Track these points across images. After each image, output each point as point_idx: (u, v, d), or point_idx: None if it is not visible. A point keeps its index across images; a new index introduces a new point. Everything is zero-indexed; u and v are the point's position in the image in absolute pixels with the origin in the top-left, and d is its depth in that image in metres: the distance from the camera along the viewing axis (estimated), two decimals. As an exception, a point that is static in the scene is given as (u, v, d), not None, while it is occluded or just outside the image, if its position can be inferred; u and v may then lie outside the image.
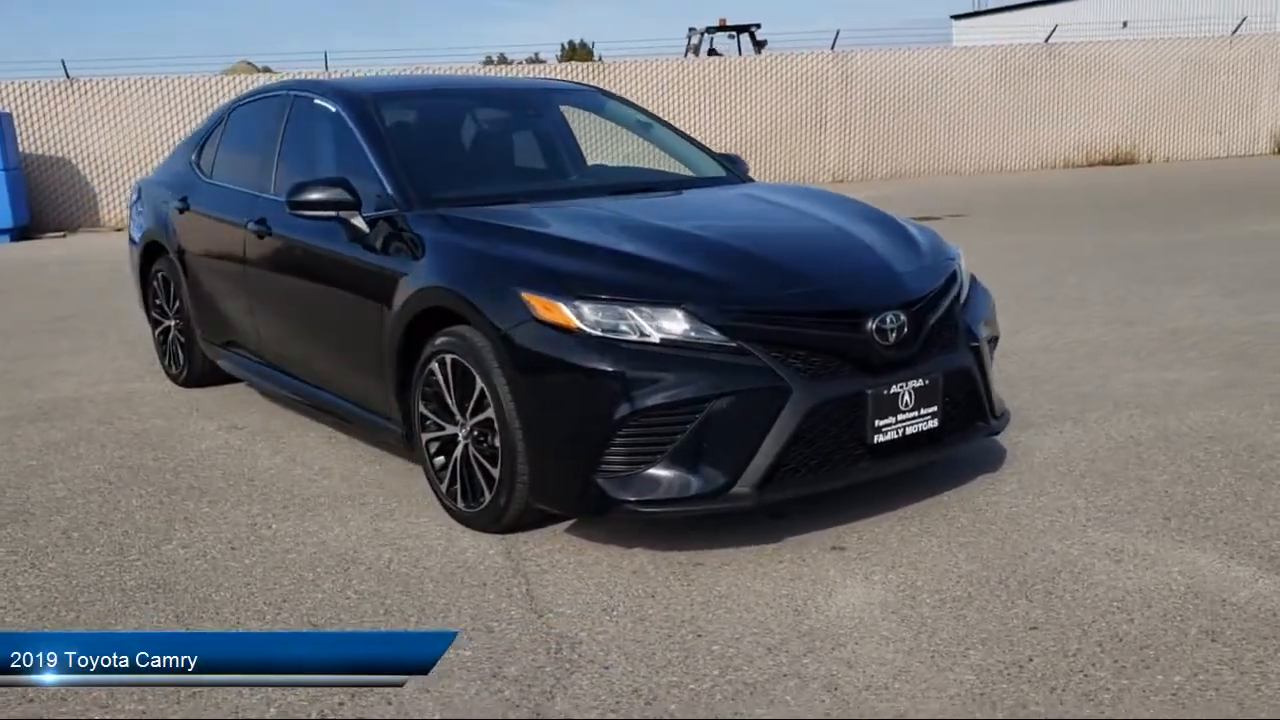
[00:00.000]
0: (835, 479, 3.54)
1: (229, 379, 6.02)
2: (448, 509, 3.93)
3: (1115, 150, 20.15)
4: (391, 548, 3.74)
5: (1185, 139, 20.57)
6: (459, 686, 2.82)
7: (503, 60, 17.55)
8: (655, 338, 3.36)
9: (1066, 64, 19.99)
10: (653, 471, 3.35)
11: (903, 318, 3.59)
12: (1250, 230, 10.99)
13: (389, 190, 4.21)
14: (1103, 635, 2.97)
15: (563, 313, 3.41)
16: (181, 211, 5.69)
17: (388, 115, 4.59)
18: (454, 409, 3.81)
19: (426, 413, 3.95)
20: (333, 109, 4.77)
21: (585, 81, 9.40)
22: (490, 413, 3.62)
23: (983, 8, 42.71)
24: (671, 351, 3.35)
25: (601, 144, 5.48)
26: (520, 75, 18.18)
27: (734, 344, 3.36)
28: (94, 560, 3.73)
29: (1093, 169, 19.73)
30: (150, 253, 6.13)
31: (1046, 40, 20.11)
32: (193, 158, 5.89)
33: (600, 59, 23.94)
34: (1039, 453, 4.46)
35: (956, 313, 3.88)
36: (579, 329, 3.38)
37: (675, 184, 4.77)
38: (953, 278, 3.97)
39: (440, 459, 3.95)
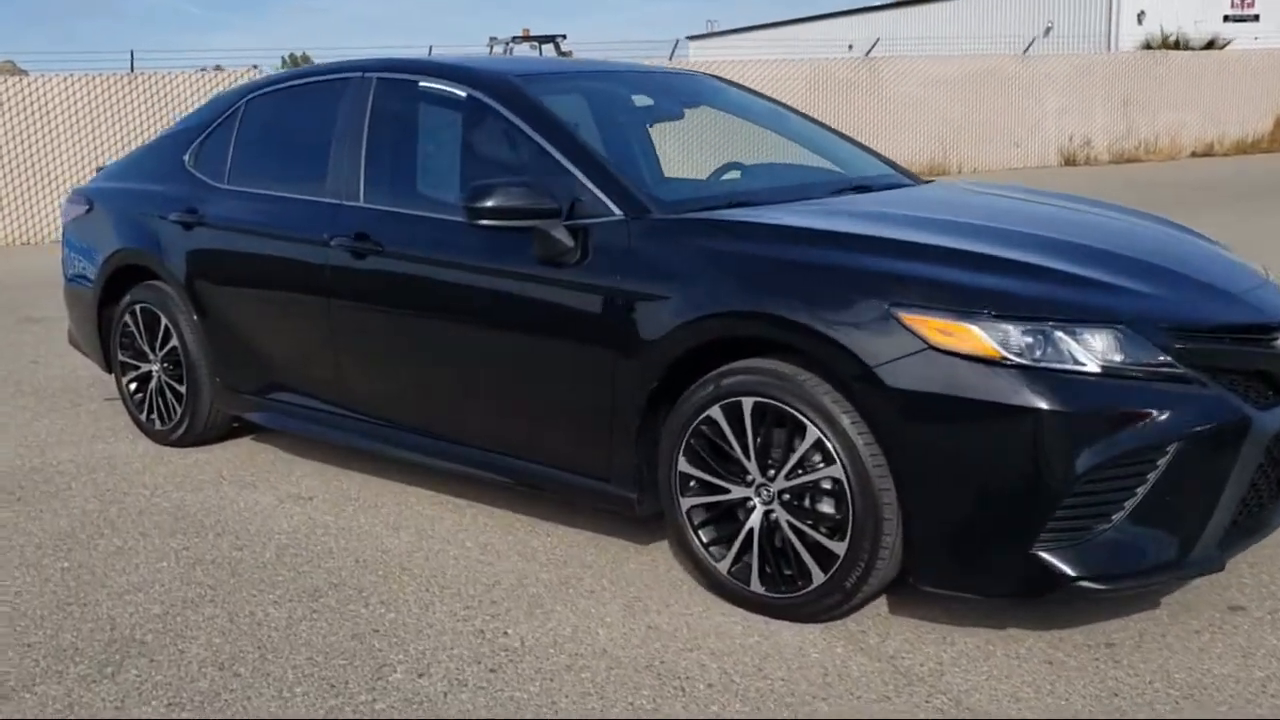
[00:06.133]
0: (1268, 528, 2.95)
1: (228, 434, 4.85)
2: (733, 595, 3.10)
3: (930, 162, 20.80)
4: (701, 652, 2.87)
5: (989, 151, 21.51)
6: None
7: (218, 69, 16.26)
8: (1092, 365, 2.67)
9: (881, 78, 20.48)
10: (1106, 537, 2.66)
11: (1303, 332, 3.05)
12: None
13: (597, 193, 3.32)
14: None
15: (977, 338, 2.67)
16: (189, 227, 4.48)
17: (550, 102, 3.67)
18: (750, 467, 2.99)
19: (692, 472, 3.10)
20: (462, 94, 3.80)
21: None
22: (831, 470, 2.82)
23: (713, 30, 44.12)
24: (1118, 382, 2.67)
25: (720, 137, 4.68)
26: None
27: (1182, 369, 2.72)
28: (309, 708, 2.66)
29: (912, 180, 20.27)
30: (120, 278, 4.85)
31: (867, 54, 20.54)
32: (186, 159, 4.69)
33: None
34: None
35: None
36: (1003, 358, 2.65)
37: (886, 184, 4.04)
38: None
39: (709, 531, 3.12)
